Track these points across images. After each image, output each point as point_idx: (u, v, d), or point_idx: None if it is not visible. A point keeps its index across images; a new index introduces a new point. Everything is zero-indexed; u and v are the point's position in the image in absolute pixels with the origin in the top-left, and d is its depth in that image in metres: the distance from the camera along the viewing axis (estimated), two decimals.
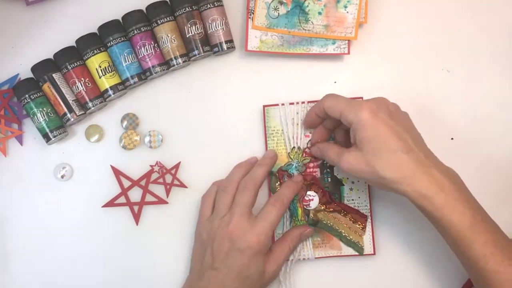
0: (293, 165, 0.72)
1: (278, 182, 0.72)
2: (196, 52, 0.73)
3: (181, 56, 0.73)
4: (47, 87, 0.72)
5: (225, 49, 0.73)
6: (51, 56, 0.73)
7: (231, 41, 0.74)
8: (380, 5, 0.76)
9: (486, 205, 0.74)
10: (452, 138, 0.74)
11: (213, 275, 0.65)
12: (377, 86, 0.75)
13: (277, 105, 0.73)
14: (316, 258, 0.72)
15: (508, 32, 0.76)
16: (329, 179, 0.73)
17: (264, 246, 0.65)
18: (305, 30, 0.73)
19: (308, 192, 0.72)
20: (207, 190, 0.72)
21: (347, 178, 0.73)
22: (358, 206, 0.72)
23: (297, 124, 0.73)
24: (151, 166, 0.74)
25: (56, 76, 0.72)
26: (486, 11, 0.76)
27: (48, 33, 0.75)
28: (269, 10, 0.73)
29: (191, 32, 0.73)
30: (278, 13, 0.73)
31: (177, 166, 0.74)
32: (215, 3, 0.73)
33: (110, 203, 0.73)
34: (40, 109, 0.71)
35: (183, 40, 0.73)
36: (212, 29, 0.73)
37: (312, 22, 0.73)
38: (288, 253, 0.69)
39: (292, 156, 0.72)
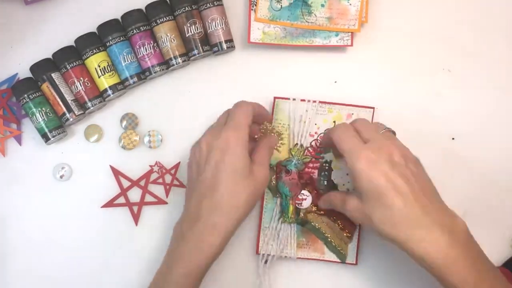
0: (292, 161, 0.72)
1: (274, 176, 0.72)
2: (195, 51, 0.73)
3: (181, 55, 0.73)
4: (46, 86, 0.71)
5: (225, 48, 0.73)
6: (50, 55, 0.73)
7: (230, 40, 0.74)
8: (380, 5, 0.76)
9: (488, 205, 0.74)
10: (453, 138, 0.74)
11: (201, 184, 0.63)
12: (378, 86, 0.75)
13: (288, 99, 0.73)
14: (298, 258, 0.71)
15: (509, 32, 0.76)
16: (326, 182, 0.72)
17: (244, 140, 0.63)
18: (308, 22, 0.73)
19: (303, 191, 0.71)
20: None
21: (343, 185, 0.72)
22: None
23: (304, 122, 0.72)
24: (150, 166, 0.74)
25: (55, 75, 0.72)
26: (487, 10, 0.76)
27: (47, 32, 0.75)
28: (271, 2, 0.73)
29: (191, 32, 0.73)
30: (281, 5, 0.73)
31: (176, 166, 0.74)
32: (214, 2, 0.72)
33: (110, 204, 0.73)
34: (39, 109, 0.71)
35: (182, 40, 0.73)
36: (211, 28, 0.73)
37: (315, 14, 0.73)
38: (270, 156, 0.67)
39: (293, 153, 0.72)
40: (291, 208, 0.71)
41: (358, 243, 0.71)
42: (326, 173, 0.72)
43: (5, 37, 0.75)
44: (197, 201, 0.63)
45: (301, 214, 0.71)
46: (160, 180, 0.73)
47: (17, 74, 0.74)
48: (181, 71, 0.75)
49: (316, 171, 0.72)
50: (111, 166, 0.74)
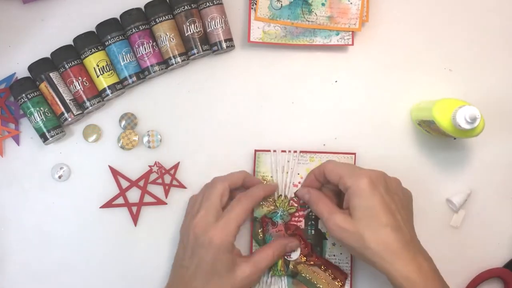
0: (278, 213, 0.71)
1: (261, 229, 0.71)
2: (195, 51, 0.73)
3: (180, 55, 0.72)
4: (44, 86, 0.71)
5: (225, 47, 0.73)
6: (48, 55, 0.72)
7: (230, 39, 0.73)
8: (381, 4, 0.75)
9: (490, 204, 0.74)
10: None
11: (182, 273, 0.65)
12: (379, 86, 0.75)
13: (268, 151, 0.72)
14: None
15: (508, 32, 0.76)
16: (313, 231, 0.71)
17: (227, 242, 0.64)
18: (308, 21, 0.72)
19: None
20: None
21: None
22: (339, 263, 0.71)
23: (287, 172, 0.72)
24: (149, 166, 0.73)
25: (53, 75, 0.71)
26: (487, 10, 0.76)
27: (45, 31, 0.74)
28: (272, 1, 0.73)
29: (190, 31, 0.72)
30: (281, 4, 0.73)
31: (176, 167, 0.73)
32: (214, 1, 0.72)
33: (108, 204, 0.73)
34: (37, 108, 0.71)
35: (182, 39, 0.73)
36: (211, 27, 0.72)
37: (315, 13, 0.72)
38: (271, 260, 0.67)
39: (278, 204, 0.71)
40: (280, 261, 0.70)
41: None
42: (312, 222, 0.72)
43: (3, 36, 0.74)
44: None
45: (291, 266, 0.70)
46: (160, 181, 0.73)
47: (15, 73, 0.74)
48: (181, 70, 0.75)
49: (302, 221, 0.72)
50: (110, 166, 0.73)
